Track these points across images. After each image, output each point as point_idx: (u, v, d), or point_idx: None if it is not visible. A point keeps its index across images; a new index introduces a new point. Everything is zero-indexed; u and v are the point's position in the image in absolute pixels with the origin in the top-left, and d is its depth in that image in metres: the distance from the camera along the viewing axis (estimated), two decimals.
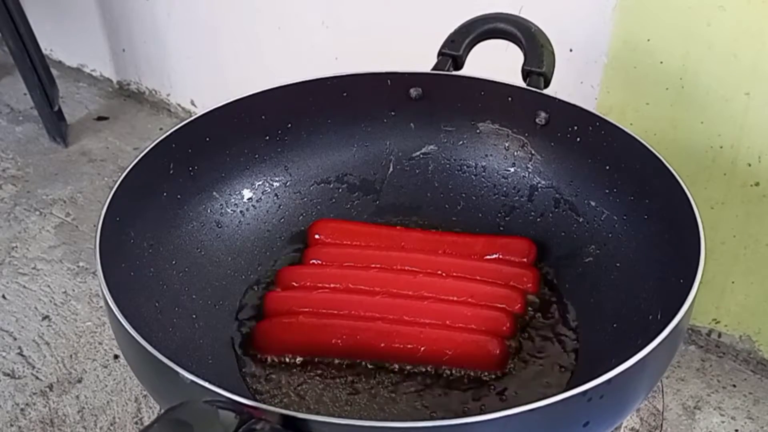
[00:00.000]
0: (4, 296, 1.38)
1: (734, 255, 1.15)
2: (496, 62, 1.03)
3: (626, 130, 0.94)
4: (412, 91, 1.06)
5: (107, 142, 1.80)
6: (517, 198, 1.06)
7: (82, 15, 1.88)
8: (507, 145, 1.06)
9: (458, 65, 1.04)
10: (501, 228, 1.06)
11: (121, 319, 0.72)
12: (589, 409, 0.67)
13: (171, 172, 0.96)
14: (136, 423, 1.15)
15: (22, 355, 1.26)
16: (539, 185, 1.05)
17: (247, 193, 1.05)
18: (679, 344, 0.78)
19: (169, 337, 0.86)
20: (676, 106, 1.10)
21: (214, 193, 1.02)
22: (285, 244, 1.05)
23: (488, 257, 1.00)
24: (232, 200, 1.03)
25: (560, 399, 0.64)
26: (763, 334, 1.20)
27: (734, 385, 1.21)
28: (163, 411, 0.62)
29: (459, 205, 1.08)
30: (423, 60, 1.05)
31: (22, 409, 1.17)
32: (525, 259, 1.00)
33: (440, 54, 1.05)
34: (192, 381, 0.65)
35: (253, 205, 1.05)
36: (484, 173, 1.08)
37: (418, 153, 1.10)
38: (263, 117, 1.03)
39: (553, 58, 1.01)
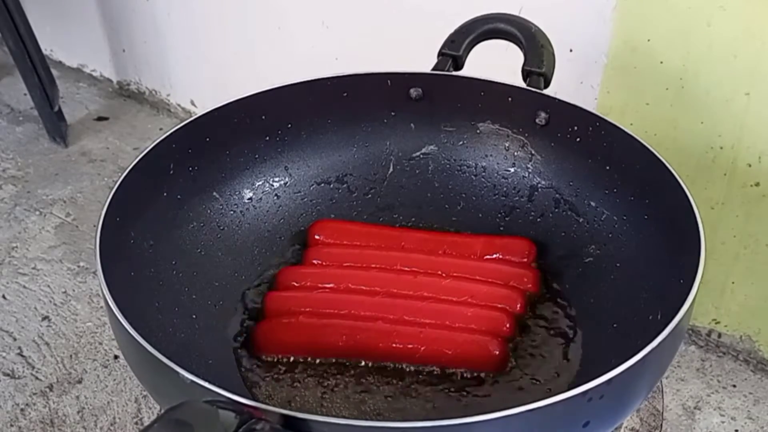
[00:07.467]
0: (4, 296, 1.38)
1: (734, 255, 1.15)
2: (496, 62, 1.03)
3: (626, 130, 0.94)
4: (412, 91, 1.06)
5: (107, 142, 1.80)
6: (517, 198, 1.06)
7: (82, 15, 1.87)
8: (507, 145, 1.06)
9: (458, 65, 1.04)
10: (501, 228, 1.06)
11: (121, 319, 0.72)
12: (589, 409, 0.67)
13: (171, 172, 0.96)
14: (136, 423, 1.15)
15: (22, 356, 1.26)
16: (539, 185, 1.05)
17: (247, 193, 1.05)
18: (679, 344, 0.78)
19: (169, 337, 0.86)
20: (676, 106, 1.10)
21: (214, 193, 1.02)
22: (285, 244, 1.05)
23: (488, 257, 1.00)
24: (233, 200, 1.03)
25: (560, 399, 0.64)
26: (763, 334, 1.20)
27: (734, 385, 1.21)
28: (163, 411, 0.62)
29: (459, 205, 1.08)
30: (423, 60, 1.05)
31: (22, 410, 1.17)
32: (525, 259, 1.00)
33: (440, 54, 1.05)
34: (192, 381, 0.65)
35: (253, 205, 1.05)
36: (484, 173, 1.08)
37: (418, 153, 1.10)
38: (263, 117, 1.03)
39: (553, 58, 1.01)
